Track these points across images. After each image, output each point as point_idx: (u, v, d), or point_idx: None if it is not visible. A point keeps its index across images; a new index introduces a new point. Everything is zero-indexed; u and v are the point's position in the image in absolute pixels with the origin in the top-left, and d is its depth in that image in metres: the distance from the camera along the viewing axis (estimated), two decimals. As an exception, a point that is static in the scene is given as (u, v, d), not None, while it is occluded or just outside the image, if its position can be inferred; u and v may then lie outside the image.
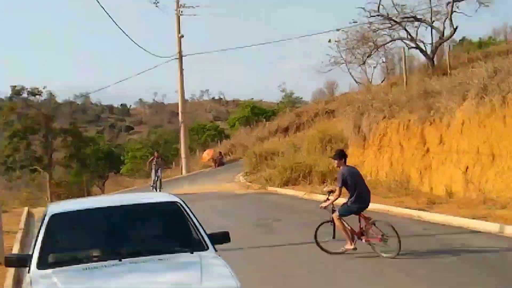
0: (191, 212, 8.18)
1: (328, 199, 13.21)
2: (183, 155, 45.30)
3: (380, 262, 12.48)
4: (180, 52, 45.44)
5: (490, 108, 18.30)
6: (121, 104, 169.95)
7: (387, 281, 10.94)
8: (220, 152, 45.87)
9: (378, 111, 25.42)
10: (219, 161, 44.04)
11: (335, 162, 13.26)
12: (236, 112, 73.07)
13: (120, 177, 62.23)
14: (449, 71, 27.93)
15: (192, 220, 8.04)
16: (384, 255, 11.79)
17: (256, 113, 61.34)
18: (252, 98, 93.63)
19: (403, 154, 23.08)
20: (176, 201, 8.35)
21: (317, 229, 12.58)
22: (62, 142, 54.95)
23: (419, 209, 17.60)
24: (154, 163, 30.85)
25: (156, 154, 32.26)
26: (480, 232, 14.82)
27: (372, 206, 19.29)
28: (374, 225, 12.63)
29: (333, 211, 12.90)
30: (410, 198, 19.70)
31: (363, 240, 12.71)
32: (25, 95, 54.98)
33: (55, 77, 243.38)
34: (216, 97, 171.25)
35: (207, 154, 45.96)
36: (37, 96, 55.01)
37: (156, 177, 30.39)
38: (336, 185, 13.27)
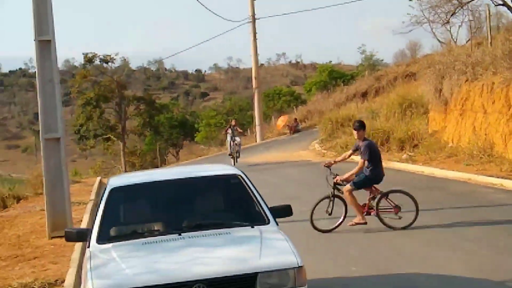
0: (252, 185, 8.23)
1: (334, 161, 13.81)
2: (257, 122, 45.33)
3: (458, 232, 12.36)
4: (253, 15, 45.20)
5: None
6: (196, 70, 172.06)
7: (464, 252, 10.83)
8: (295, 119, 45.66)
9: (460, 73, 24.89)
10: (294, 128, 43.88)
11: (356, 133, 13.20)
12: (313, 76, 72.32)
13: (195, 145, 62.50)
14: None
15: (254, 193, 8.11)
16: (397, 226, 12.03)
17: (334, 77, 60.34)
18: (331, 62, 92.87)
19: (486, 119, 22.60)
20: (238, 174, 8.43)
21: (314, 207, 12.59)
22: (135, 110, 55.45)
23: (503, 177, 17.31)
24: (231, 131, 29.99)
25: (233, 121, 31.59)
26: None
27: (452, 174, 19.33)
28: (387, 196, 12.75)
29: (343, 185, 12.92)
30: (494, 166, 19.35)
31: (371, 214, 12.87)
32: (97, 62, 55.39)
33: (127, 43, 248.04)
34: (293, 61, 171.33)
35: (281, 121, 46.15)
36: (110, 63, 55.93)
37: (234, 146, 29.65)
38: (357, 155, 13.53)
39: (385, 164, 24.54)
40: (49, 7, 14.92)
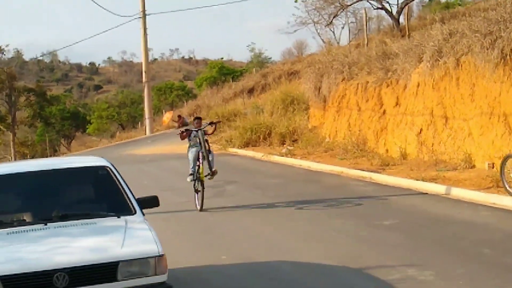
0: (121, 176, 8.18)
1: None
2: (146, 115, 45.25)
3: (324, 224, 12.70)
4: (143, 10, 44.87)
5: (444, 71, 18.49)
6: (90, 63, 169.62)
7: (327, 243, 11.12)
8: (179, 115, 45.47)
9: (338, 73, 25.51)
10: (182, 122, 44.07)
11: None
12: (204, 72, 72.64)
13: (87, 136, 61.65)
14: (408, 33, 27.80)
15: (121, 184, 8.04)
16: None
17: (224, 73, 60.93)
18: (222, 58, 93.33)
19: (360, 116, 23.36)
20: (105, 166, 8.34)
21: None
22: (25, 101, 54.26)
23: (372, 171, 18.03)
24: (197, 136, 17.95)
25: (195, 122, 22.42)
26: (427, 194, 15.18)
27: (327, 167, 19.86)
28: None
29: None
30: (365, 160, 20.15)
31: None
32: (-14, 53, 54.09)
33: (20, 34, 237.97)
34: (186, 57, 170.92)
35: (166, 117, 45.81)
36: (1, 55, 54.05)
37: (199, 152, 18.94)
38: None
39: (265, 158, 25.24)
40: None
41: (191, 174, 13.35)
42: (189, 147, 13.63)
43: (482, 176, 15.61)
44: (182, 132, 13.81)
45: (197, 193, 13.15)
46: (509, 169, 13.73)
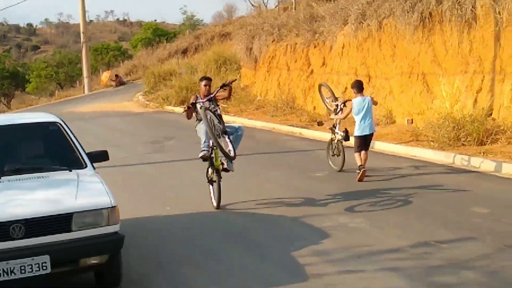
0: (71, 131, 8.11)
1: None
2: (85, 74, 44.21)
3: (260, 176, 12.65)
4: (79, -28, 44.89)
5: (368, 33, 18.78)
6: (27, 24, 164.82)
7: (265, 193, 11.02)
8: (116, 75, 44.86)
9: (268, 34, 25.71)
10: (119, 81, 43.53)
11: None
12: (139, 33, 71.71)
13: (26, 95, 60.10)
14: None
15: (72, 140, 7.97)
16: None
17: (158, 34, 59.81)
18: (155, 20, 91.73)
19: (289, 75, 23.67)
20: (56, 121, 8.27)
21: None
22: None
23: (301, 127, 18.39)
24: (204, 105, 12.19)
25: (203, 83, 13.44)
26: (352, 147, 15.54)
27: (259, 124, 19.97)
28: None
29: None
30: (295, 117, 20.46)
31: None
32: None
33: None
34: (121, 19, 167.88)
35: (105, 77, 45.44)
36: None
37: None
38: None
39: None
40: None
41: (203, 151, 9.16)
42: (197, 121, 9.44)
43: (402, 131, 16.02)
44: (187, 108, 9.21)
45: (212, 185, 9.56)
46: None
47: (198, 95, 9.53)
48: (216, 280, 7.28)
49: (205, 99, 9.26)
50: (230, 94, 9.71)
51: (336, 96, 14.03)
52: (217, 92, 9.49)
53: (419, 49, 16.63)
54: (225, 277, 7.38)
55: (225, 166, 9.43)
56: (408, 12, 16.60)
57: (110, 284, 7.04)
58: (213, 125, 9.05)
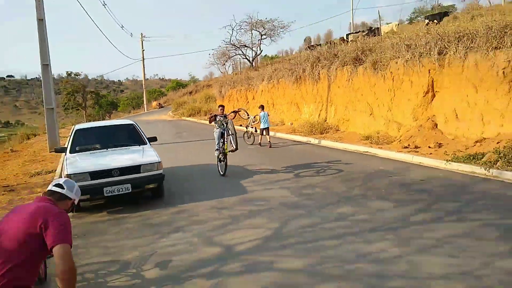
0: (140, 128, 8.41)
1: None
2: (145, 102, 46.49)
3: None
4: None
5: (273, 84, 19.92)
6: (118, 80, 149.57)
7: (228, 155, 10.36)
8: (159, 103, 46.85)
9: (229, 85, 26.71)
10: (160, 106, 45.69)
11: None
12: (169, 84, 69.61)
13: (118, 113, 56.09)
14: (257, 68, 30.40)
15: (140, 131, 8.28)
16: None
17: (178, 84, 60.39)
18: (177, 78, 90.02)
19: (238, 103, 23.61)
20: (132, 123, 8.49)
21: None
22: (90, 96, 52.84)
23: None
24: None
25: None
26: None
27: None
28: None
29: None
30: (242, 121, 19.28)
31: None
32: None
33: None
34: (161, 77, 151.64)
35: (154, 104, 46.90)
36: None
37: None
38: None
39: (198, 120, 25.76)
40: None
41: (217, 150, 9.41)
42: (215, 128, 9.60)
43: (288, 128, 16.80)
44: (211, 116, 9.58)
45: (220, 162, 9.37)
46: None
47: (216, 114, 9.67)
48: (201, 190, 7.78)
49: (222, 116, 9.47)
50: (235, 116, 9.71)
51: (249, 113, 14.00)
52: (229, 114, 9.60)
53: (295, 92, 17.97)
54: (205, 189, 7.89)
55: (232, 148, 9.17)
56: (290, 76, 18.26)
57: (159, 196, 7.31)
58: (228, 128, 9.21)
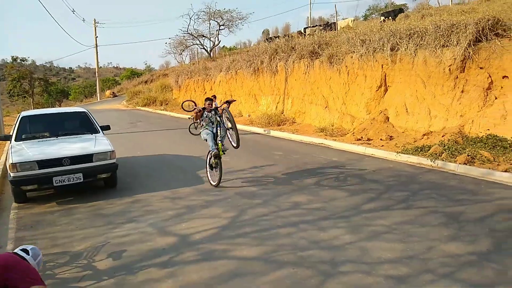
0: (91, 115, 8.24)
1: None
2: (98, 91, 45.01)
3: (180, 138, 12.67)
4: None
5: (231, 75, 19.89)
6: (69, 67, 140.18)
7: (186, 146, 11.06)
8: (113, 92, 45.32)
9: (185, 75, 26.82)
10: (114, 95, 44.19)
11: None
12: (124, 73, 67.51)
13: (69, 101, 54.73)
14: (215, 59, 30.22)
15: (93, 119, 8.12)
16: None
17: (133, 73, 58.76)
18: (131, 67, 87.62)
19: (195, 94, 23.85)
20: (84, 110, 8.28)
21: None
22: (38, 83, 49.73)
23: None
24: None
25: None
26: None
27: (180, 115, 19.39)
28: None
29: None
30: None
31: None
32: None
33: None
34: (115, 65, 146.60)
35: (108, 93, 45.46)
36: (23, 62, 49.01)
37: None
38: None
39: (153, 111, 25.18)
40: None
41: (214, 151, 7.23)
42: (202, 127, 7.52)
43: (246, 119, 16.85)
44: (197, 112, 7.31)
45: (212, 169, 7.44)
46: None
47: (204, 108, 7.36)
48: (156, 180, 7.68)
49: (210, 111, 7.34)
50: (228, 106, 7.43)
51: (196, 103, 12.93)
52: (220, 106, 7.43)
53: (253, 84, 18.11)
54: (161, 179, 7.79)
55: (224, 149, 7.22)
56: (248, 67, 18.34)
57: (112, 186, 7.21)
58: (223, 123, 7.20)
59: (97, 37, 44.18)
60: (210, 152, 7.18)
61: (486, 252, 4.12)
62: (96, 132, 7.72)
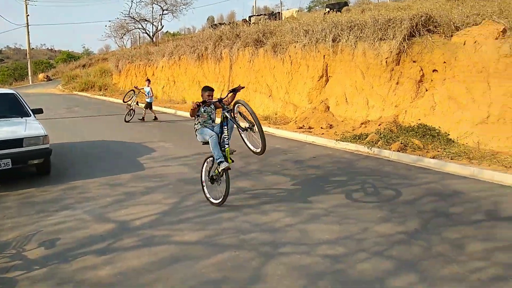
0: (22, 97, 8.01)
1: None
2: (30, 74, 42.44)
3: (123, 126, 12.65)
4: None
5: (174, 61, 19.92)
6: None
7: (130, 133, 11.07)
8: (47, 75, 43.06)
9: (126, 59, 26.50)
10: (49, 78, 42.21)
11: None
12: (59, 56, 63.85)
13: None
14: (158, 44, 30.40)
15: (23, 102, 7.86)
16: None
17: (70, 57, 56.27)
18: (68, 50, 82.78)
19: (137, 79, 23.65)
20: (14, 92, 8.04)
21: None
22: None
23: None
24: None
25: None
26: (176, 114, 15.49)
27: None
28: None
29: None
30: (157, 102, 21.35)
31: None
32: None
33: None
34: (50, 47, 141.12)
35: (41, 76, 43.14)
36: None
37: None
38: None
39: (91, 96, 25.10)
40: None
41: (223, 162, 5.28)
42: (199, 126, 5.77)
43: (189, 106, 15.93)
44: (194, 107, 5.51)
45: (213, 183, 5.61)
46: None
47: (203, 101, 5.43)
48: (94, 167, 7.64)
49: (209, 104, 5.61)
50: (234, 96, 5.73)
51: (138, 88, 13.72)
52: (225, 98, 5.67)
53: (197, 70, 18.22)
54: (98, 166, 7.65)
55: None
56: (192, 53, 18.40)
57: (45, 172, 7.02)
58: (234, 120, 5.27)
59: (28, 15, 41.45)
60: (216, 161, 5.21)
61: (414, 231, 4.43)
62: (27, 115, 7.45)
